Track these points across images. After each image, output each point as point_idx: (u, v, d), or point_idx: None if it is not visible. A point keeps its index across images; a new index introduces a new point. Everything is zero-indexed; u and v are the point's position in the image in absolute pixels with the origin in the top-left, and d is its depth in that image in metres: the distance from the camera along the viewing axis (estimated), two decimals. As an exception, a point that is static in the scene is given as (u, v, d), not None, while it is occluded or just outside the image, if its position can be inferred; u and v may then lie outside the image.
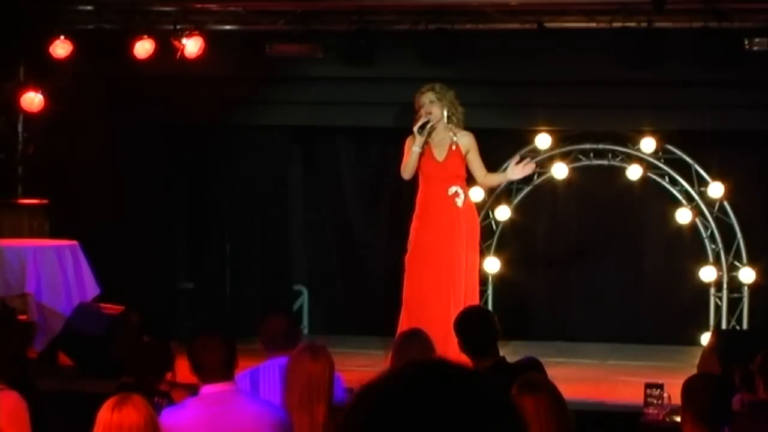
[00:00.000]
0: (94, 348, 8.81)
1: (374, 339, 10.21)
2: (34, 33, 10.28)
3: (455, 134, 9.36)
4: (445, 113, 9.32)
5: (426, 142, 9.30)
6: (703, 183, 10.30)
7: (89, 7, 10.32)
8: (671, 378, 7.34)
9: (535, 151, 10.53)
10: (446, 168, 9.36)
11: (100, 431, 4.52)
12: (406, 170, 9.38)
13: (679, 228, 10.54)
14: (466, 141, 9.39)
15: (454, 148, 9.37)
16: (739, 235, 10.20)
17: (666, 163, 10.38)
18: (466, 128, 9.46)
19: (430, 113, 9.26)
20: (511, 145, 10.63)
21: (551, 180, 10.66)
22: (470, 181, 9.62)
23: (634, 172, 10.42)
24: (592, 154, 10.54)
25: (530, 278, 10.99)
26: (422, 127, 9.24)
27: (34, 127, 10.85)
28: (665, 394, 7.14)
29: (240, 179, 11.22)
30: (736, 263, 10.24)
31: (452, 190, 9.35)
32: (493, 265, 10.62)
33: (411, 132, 9.44)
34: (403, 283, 9.40)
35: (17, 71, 10.70)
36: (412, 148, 9.31)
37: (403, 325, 9.05)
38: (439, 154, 9.39)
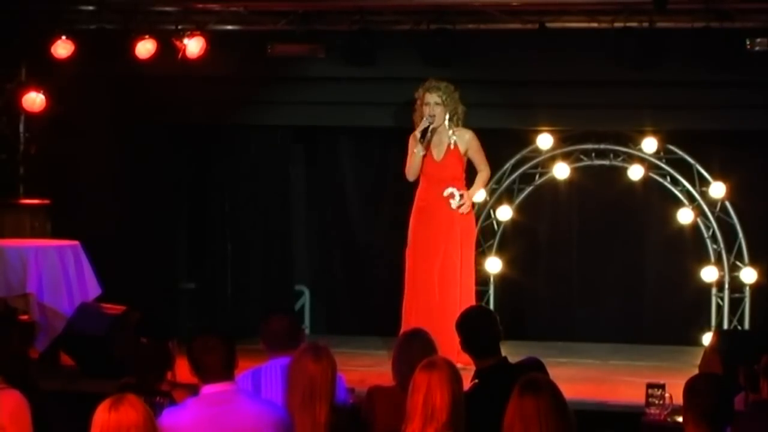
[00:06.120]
0: (95, 348, 8.82)
1: (376, 339, 10.22)
2: (35, 33, 10.28)
3: (454, 133, 9.38)
4: (447, 115, 9.34)
5: (428, 144, 9.33)
6: (704, 183, 10.30)
7: (91, 7, 10.32)
8: (673, 378, 7.34)
9: (537, 152, 10.54)
10: (444, 168, 9.39)
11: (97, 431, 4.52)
12: (410, 172, 9.43)
13: (681, 228, 10.54)
14: (464, 140, 9.41)
15: (452, 147, 9.39)
16: (740, 235, 10.21)
17: (667, 163, 10.38)
18: (467, 128, 9.47)
19: (433, 116, 9.28)
20: (513, 145, 10.64)
21: (553, 180, 10.66)
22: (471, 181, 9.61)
23: (635, 172, 10.41)
24: (593, 154, 10.54)
25: (532, 278, 10.98)
26: (424, 131, 9.26)
27: (35, 128, 10.85)
28: (667, 394, 7.13)
29: (241, 179, 11.22)
30: (738, 263, 10.24)
31: (447, 191, 9.37)
32: (494, 265, 10.62)
33: (413, 131, 9.45)
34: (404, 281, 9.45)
35: (19, 71, 10.70)
36: (414, 150, 9.34)
37: (405, 323, 9.10)
38: (438, 153, 9.42)
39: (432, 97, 9.33)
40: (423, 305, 9.24)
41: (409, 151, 9.45)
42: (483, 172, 9.50)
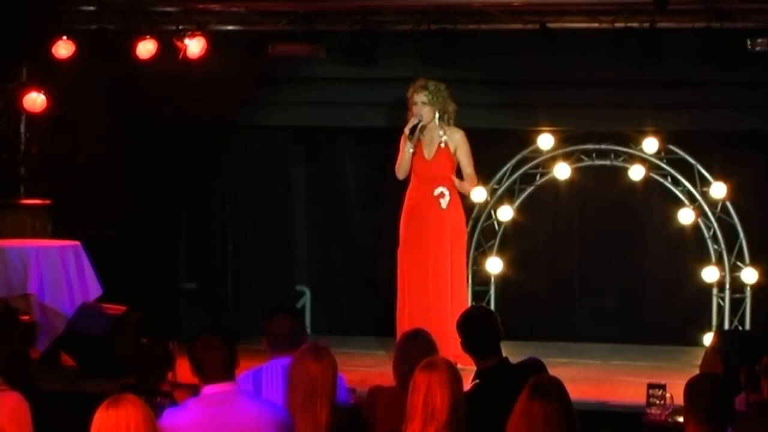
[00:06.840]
0: (96, 348, 8.81)
1: (377, 339, 10.22)
2: (36, 33, 10.28)
3: (445, 132, 9.38)
4: (437, 114, 9.34)
5: (418, 142, 9.34)
6: (705, 183, 10.30)
7: (92, 8, 10.33)
8: (673, 378, 7.33)
9: (538, 152, 10.54)
10: (434, 167, 9.39)
11: (96, 431, 4.54)
12: (400, 170, 9.45)
13: (682, 228, 10.53)
14: (454, 139, 9.40)
15: (442, 146, 9.40)
16: (741, 235, 10.20)
17: (668, 163, 10.37)
18: (467, 129, 9.47)
19: (421, 115, 9.29)
20: (514, 145, 10.64)
21: (554, 180, 10.65)
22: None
23: (636, 173, 10.41)
24: (594, 155, 10.53)
25: (532, 278, 10.97)
26: (413, 129, 9.28)
27: (36, 128, 10.85)
28: (667, 395, 7.13)
29: (242, 179, 11.23)
30: (739, 263, 10.23)
31: (438, 191, 9.37)
32: (495, 265, 10.61)
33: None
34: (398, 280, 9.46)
35: (20, 72, 10.70)
36: (405, 149, 9.37)
37: (399, 324, 9.11)
38: (428, 152, 9.43)
39: (420, 97, 9.34)
40: (416, 305, 9.23)
41: (401, 150, 9.47)
42: (469, 176, 9.46)
